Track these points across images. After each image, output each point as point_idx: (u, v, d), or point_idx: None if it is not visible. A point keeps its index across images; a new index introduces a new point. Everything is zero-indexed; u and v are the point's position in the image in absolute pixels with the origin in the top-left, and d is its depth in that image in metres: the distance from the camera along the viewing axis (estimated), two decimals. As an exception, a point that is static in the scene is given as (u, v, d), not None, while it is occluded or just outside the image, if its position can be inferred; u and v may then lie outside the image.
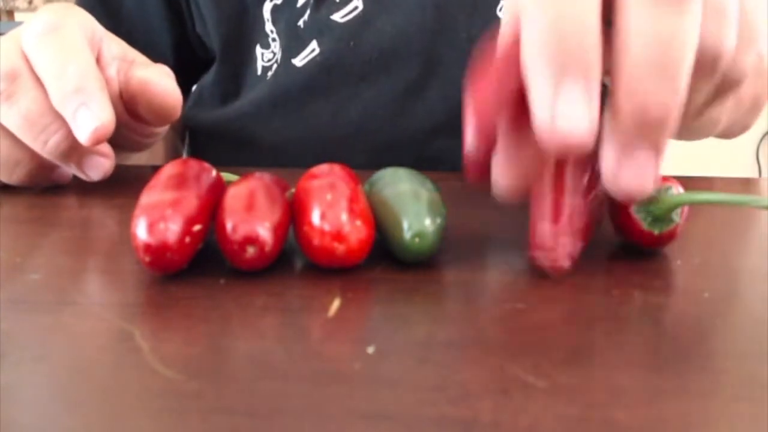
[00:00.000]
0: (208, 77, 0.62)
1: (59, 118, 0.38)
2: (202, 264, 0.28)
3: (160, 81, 0.41)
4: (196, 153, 0.67)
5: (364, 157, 0.56)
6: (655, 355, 0.22)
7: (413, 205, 0.28)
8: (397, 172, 0.31)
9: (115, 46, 0.42)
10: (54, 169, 0.41)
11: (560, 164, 0.27)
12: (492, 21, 0.55)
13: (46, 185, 0.42)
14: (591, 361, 0.21)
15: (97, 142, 0.36)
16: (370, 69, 0.55)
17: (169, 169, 0.29)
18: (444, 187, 0.33)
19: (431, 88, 0.55)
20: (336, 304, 0.25)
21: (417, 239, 0.27)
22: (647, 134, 0.23)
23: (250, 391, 0.20)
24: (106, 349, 0.22)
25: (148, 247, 0.26)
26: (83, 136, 0.36)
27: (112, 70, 0.41)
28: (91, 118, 0.36)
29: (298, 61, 0.56)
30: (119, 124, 0.41)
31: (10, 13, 2.32)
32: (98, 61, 0.40)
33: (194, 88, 0.65)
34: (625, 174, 0.24)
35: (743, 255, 0.31)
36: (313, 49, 0.55)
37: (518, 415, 0.18)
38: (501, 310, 0.25)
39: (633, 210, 0.29)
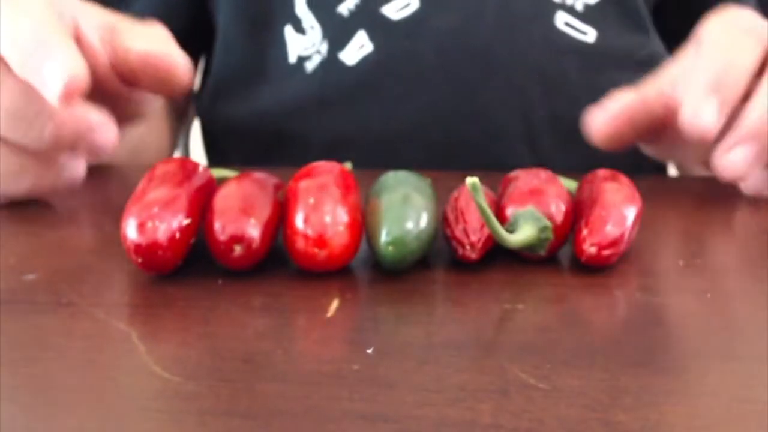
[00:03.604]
0: (223, 61, 0.58)
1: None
2: (199, 265, 0.28)
3: (162, 50, 0.36)
4: (220, 152, 0.63)
5: (417, 161, 0.54)
6: (655, 355, 0.22)
7: (397, 211, 0.27)
8: (398, 176, 0.31)
9: (93, 15, 0.37)
10: (61, 169, 0.36)
11: None
12: (550, 30, 0.55)
13: (58, 191, 0.36)
14: (591, 361, 0.21)
15: (71, 97, 0.30)
16: (426, 69, 0.53)
17: (158, 169, 0.29)
18: (444, 188, 0.33)
19: (489, 93, 0.54)
20: (335, 304, 0.25)
21: (391, 247, 0.26)
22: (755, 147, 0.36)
23: (248, 392, 0.19)
24: (103, 350, 0.22)
25: (138, 248, 0.26)
26: (53, 93, 0.30)
27: (96, 42, 0.36)
28: (59, 70, 0.30)
29: (348, 58, 0.54)
30: (116, 97, 0.38)
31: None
32: (78, 38, 0.36)
33: (208, 78, 0.60)
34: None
35: (743, 255, 0.31)
36: (362, 44, 0.53)
37: (518, 416, 0.18)
38: (501, 310, 0.25)
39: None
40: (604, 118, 0.40)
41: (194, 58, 0.65)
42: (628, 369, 0.21)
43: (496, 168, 0.48)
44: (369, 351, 0.22)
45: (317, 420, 0.18)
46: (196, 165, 0.30)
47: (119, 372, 0.21)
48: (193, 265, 0.28)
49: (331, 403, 0.19)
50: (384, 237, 0.26)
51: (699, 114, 0.35)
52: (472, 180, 0.25)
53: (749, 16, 0.41)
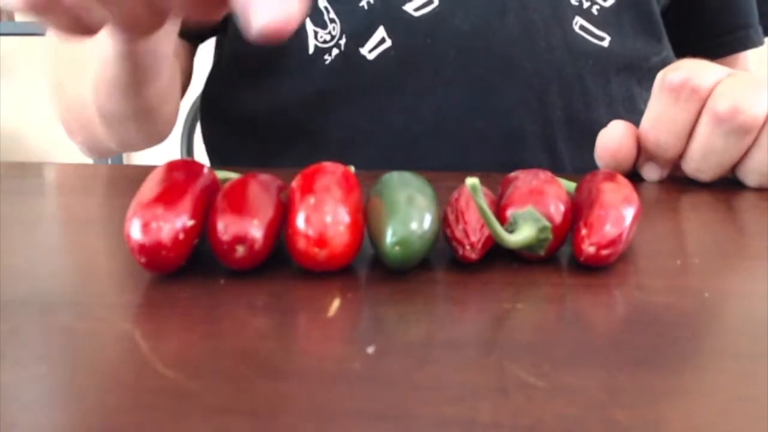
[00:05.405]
0: (239, 52, 0.58)
1: None
2: (201, 264, 0.28)
3: None
4: (226, 150, 0.62)
5: (435, 158, 0.54)
6: (653, 354, 0.22)
7: (402, 212, 0.27)
8: (399, 176, 0.31)
9: None
10: None
11: None
12: (568, 34, 0.54)
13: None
14: (590, 360, 0.21)
15: (272, 39, 0.24)
16: (446, 67, 0.54)
17: (163, 170, 0.29)
18: (444, 188, 0.33)
19: (508, 93, 0.54)
20: (336, 304, 0.25)
21: (397, 247, 0.27)
22: None
23: (250, 390, 0.20)
24: (106, 348, 0.22)
25: (142, 248, 0.26)
26: (259, 24, 0.23)
27: None
28: (285, 4, 0.23)
29: (368, 52, 0.54)
30: None
31: (10, 13, 2.32)
32: None
33: (218, 70, 0.60)
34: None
35: (743, 255, 0.31)
36: (382, 37, 0.53)
37: (518, 415, 0.18)
38: (501, 310, 0.25)
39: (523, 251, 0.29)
40: (613, 135, 0.44)
41: (194, 44, 0.64)
42: (627, 368, 0.21)
43: (512, 167, 0.48)
44: (369, 350, 0.22)
45: (318, 418, 0.18)
46: (200, 166, 0.30)
47: (122, 370, 0.21)
48: (196, 265, 0.28)
49: (332, 401, 0.19)
50: (390, 237, 0.27)
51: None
52: (471, 181, 0.25)
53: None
